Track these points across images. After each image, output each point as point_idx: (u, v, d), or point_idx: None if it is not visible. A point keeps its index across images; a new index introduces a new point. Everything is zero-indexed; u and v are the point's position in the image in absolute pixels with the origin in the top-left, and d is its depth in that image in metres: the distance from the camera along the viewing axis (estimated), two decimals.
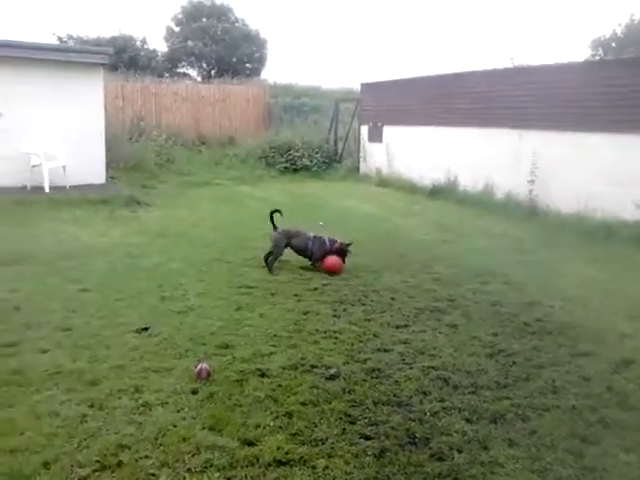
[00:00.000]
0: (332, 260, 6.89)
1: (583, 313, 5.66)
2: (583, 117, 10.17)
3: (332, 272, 6.79)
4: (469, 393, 3.92)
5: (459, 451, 3.24)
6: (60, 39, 28.32)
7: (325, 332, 4.95)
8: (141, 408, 3.58)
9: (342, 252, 6.95)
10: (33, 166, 11.72)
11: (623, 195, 9.21)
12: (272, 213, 7.17)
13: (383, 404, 3.75)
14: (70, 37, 28.74)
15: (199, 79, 30.51)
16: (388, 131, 16.04)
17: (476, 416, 3.61)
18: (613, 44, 30.01)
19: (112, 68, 17.73)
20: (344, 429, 3.44)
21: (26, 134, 11.75)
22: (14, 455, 3.05)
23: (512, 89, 11.87)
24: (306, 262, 7.12)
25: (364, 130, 17.04)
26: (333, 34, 53.11)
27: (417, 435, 3.40)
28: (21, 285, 5.98)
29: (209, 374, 3.98)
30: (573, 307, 5.83)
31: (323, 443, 3.28)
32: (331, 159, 17.97)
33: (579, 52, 42.26)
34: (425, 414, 3.63)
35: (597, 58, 27.76)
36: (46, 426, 3.33)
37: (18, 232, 8.46)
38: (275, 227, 7.10)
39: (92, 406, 3.58)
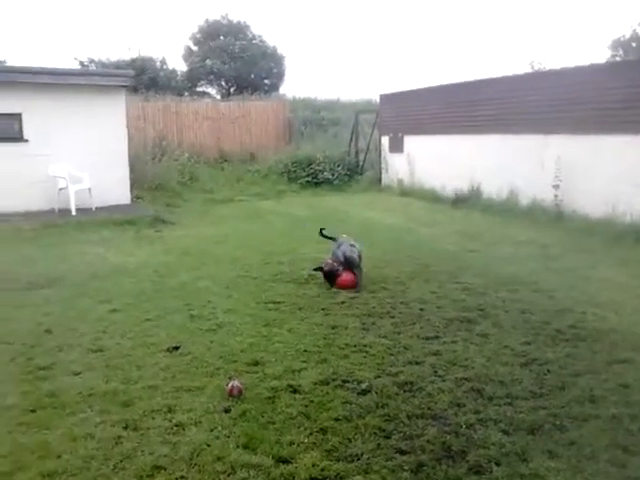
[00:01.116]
0: (343, 277, 6.72)
1: (617, 319, 5.54)
2: (606, 119, 10.04)
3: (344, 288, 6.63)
4: (504, 404, 3.85)
5: (497, 464, 3.18)
6: (82, 63, 28.85)
7: (355, 346, 4.92)
8: (175, 428, 3.59)
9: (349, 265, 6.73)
10: (60, 189, 11.94)
11: None
12: (321, 231, 7.43)
13: (417, 417, 3.70)
14: (91, 61, 29.27)
15: (218, 97, 30.84)
16: (409, 141, 16.00)
17: (513, 427, 3.55)
18: (633, 44, 29.66)
19: (133, 90, 17.99)
20: (379, 444, 3.40)
21: (52, 158, 12.00)
22: (52, 478, 3.07)
23: (533, 94, 11.77)
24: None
25: (385, 141, 17.04)
26: (350, 47, 53.44)
27: (453, 448, 3.35)
28: (51, 308, 6.06)
29: (240, 392, 3.98)
30: (606, 313, 5.71)
31: (359, 459, 3.25)
32: (353, 171, 17.99)
33: (599, 53, 41.86)
34: (461, 427, 3.58)
35: (617, 59, 27.47)
36: (82, 448, 3.36)
37: (47, 255, 8.60)
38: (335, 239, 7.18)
39: (126, 427, 3.60)
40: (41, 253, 8.74)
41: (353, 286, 6.64)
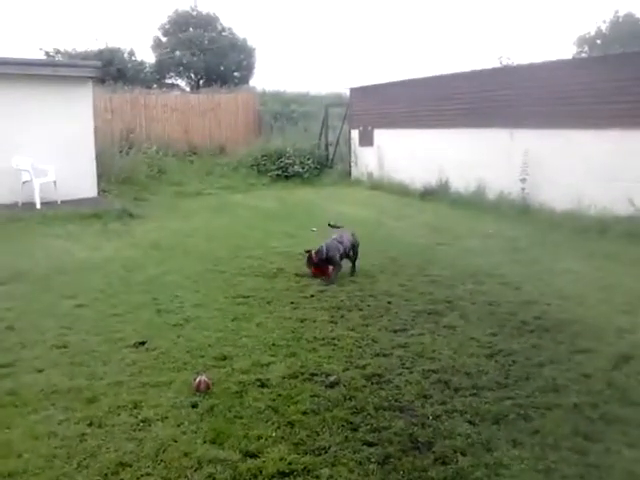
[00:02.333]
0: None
1: (580, 310, 5.66)
2: (573, 114, 10.21)
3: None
4: (470, 395, 3.90)
5: (463, 454, 3.22)
6: (47, 54, 28.18)
7: (323, 339, 4.93)
8: (141, 424, 3.54)
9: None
10: (24, 182, 11.67)
11: (616, 191, 9.24)
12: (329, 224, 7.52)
13: (385, 409, 3.72)
14: (57, 51, 28.60)
15: (188, 89, 30.48)
16: (379, 134, 16.06)
17: (478, 418, 3.60)
18: (598, 41, 30.23)
19: (100, 81, 17.65)
20: (346, 437, 3.41)
21: (16, 150, 11.70)
22: (13, 478, 3.01)
23: (501, 88, 11.92)
24: (300, 269, 7.08)
25: (354, 134, 17.07)
26: (320, 40, 53.17)
27: (420, 440, 3.38)
28: (14, 303, 5.93)
29: (208, 387, 3.95)
30: (570, 304, 5.83)
31: (326, 452, 3.26)
32: (323, 165, 17.98)
33: (565, 50, 42.53)
34: (427, 418, 3.61)
35: (583, 55, 27.95)
36: (44, 447, 3.29)
37: (10, 249, 8.40)
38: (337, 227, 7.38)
39: (91, 424, 3.54)
40: (4, 247, 8.53)
41: (327, 275, 6.75)
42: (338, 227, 7.42)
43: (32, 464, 3.12)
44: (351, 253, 7.01)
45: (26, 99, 11.90)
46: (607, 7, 51.75)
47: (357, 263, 7.08)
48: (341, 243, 6.87)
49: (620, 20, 30.07)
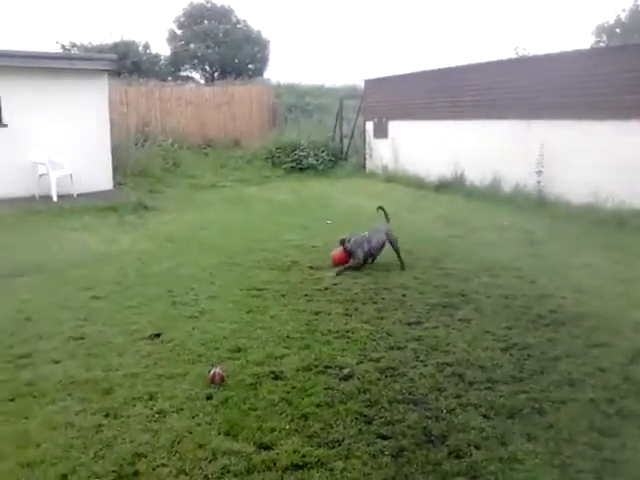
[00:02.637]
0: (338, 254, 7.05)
1: (597, 304, 5.60)
2: (590, 105, 10.08)
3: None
4: (485, 389, 3.88)
5: (477, 448, 3.21)
6: (63, 47, 28.41)
7: (337, 332, 4.93)
8: (156, 415, 3.57)
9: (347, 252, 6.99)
10: (40, 175, 11.78)
11: (633, 183, 9.12)
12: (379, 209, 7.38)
13: (398, 403, 3.72)
14: (73, 45, 28.81)
15: (202, 82, 30.55)
16: (393, 126, 15.98)
17: (493, 412, 3.58)
18: (617, 30, 29.77)
19: (116, 74, 17.75)
20: (360, 429, 3.41)
21: (33, 144, 11.82)
22: (31, 468, 3.05)
23: (517, 79, 11.80)
24: (315, 262, 7.09)
25: (369, 126, 17.00)
26: (335, 32, 53.04)
27: (434, 433, 3.37)
28: (32, 295, 6.00)
29: (223, 379, 3.97)
30: (586, 298, 5.77)
31: (340, 444, 3.26)
32: (337, 157, 17.95)
33: (583, 39, 41.96)
34: (441, 411, 3.60)
35: (601, 45, 27.56)
36: (62, 437, 3.33)
37: (27, 242, 8.50)
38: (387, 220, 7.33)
39: (107, 415, 3.58)
40: (21, 240, 8.63)
41: (340, 263, 6.90)
42: (386, 215, 7.33)
43: (50, 454, 3.16)
44: (378, 253, 7.08)
45: (42, 92, 11.99)
46: None
47: (402, 257, 7.05)
48: (368, 242, 6.93)
49: None
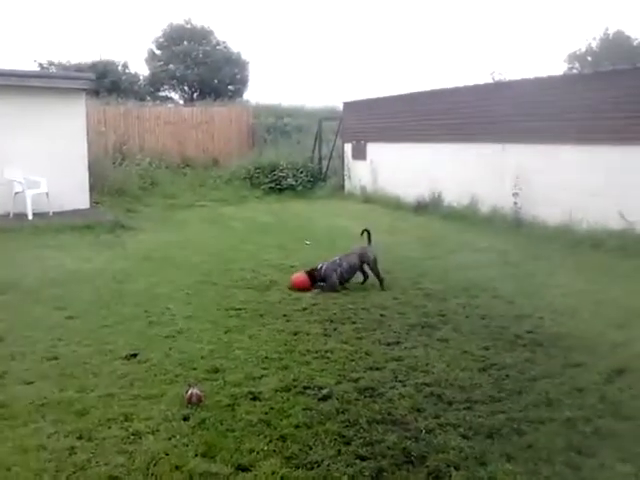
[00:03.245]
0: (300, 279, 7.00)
1: (573, 324, 5.66)
2: (564, 129, 10.29)
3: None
4: (464, 409, 3.88)
5: (456, 468, 3.20)
6: (41, 65, 28.25)
7: (316, 352, 4.90)
8: (131, 437, 3.50)
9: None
10: (16, 193, 11.62)
11: (608, 205, 9.30)
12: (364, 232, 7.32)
13: (378, 423, 3.70)
14: (51, 63, 28.69)
15: (181, 102, 30.56)
16: (372, 148, 16.13)
17: (472, 432, 3.58)
18: (589, 58, 30.59)
19: (94, 93, 17.70)
20: (339, 450, 3.38)
21: (8, 161, 11.67)
22: None
23: (493, 104, 12.01)
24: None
25: (348, 148, 17.13)
26: (315, 53, 53.63)
27: (413, 454, 3.35)
28: (4, 315, 5.88)
29: (200, 399, 3.92)
30: (563, 318, 5.83)
31: (319, 466, 3.22)
32: (316, 178, 18.01)
33: (556, 66, 43.00)
34: (420, 432, 3.59)
35: (574, 71, 28.22)
36: (33, 461, 3.24)
37: (1, 260, 8.34)
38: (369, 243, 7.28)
39: (81, 437, 3.50)
40: None
41: (301, 288, 6.84)
42: (369, 237, 7.29)
43: (21, 478, 3.08)
44: (350, 276, 7.07)
45: (19, 110, 11.88)
46: (598, 24, 52.45)
47: (382, 277, 7.03)
48: (340, 266, 6.94)
49: (610, 37, 30.45)
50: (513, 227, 10.70)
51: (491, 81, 14.59)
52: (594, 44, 31.09)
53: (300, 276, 6.99)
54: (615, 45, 29.13)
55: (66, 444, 3.41)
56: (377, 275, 7.05)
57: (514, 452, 3.35)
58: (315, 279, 6.95)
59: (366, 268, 7.14)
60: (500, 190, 11.29)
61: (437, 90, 13.94)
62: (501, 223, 10.97)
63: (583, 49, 31.47)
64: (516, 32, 52.94)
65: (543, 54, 51.73)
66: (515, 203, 11.01)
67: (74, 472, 3.14)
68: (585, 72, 23.74)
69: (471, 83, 13.39)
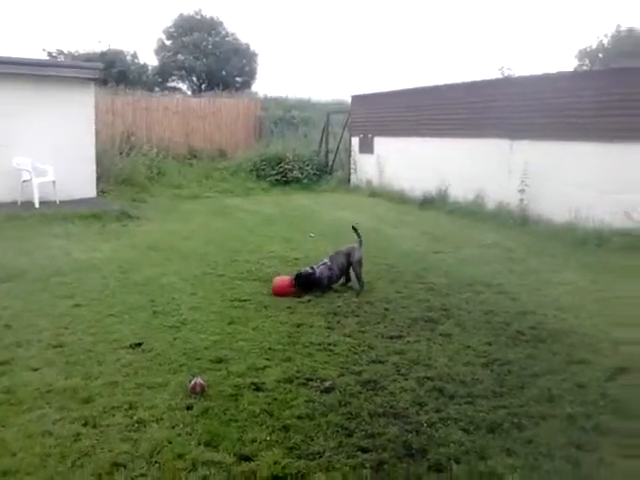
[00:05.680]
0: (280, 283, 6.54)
1: (576, 321, 5.67)
2: (573, 126, 10.25)
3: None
4: (465, 403, 3.90)
5: (457, 462, 3.23)
6: (50, 54, 28.27)
7: (319, 344, 4.93)
8: (135, 425, 3.54)
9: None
10: (24, 181, 11.68)
11: (613, 203, 9.26)
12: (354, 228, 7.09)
13: (379, 416, 3.73)
14: (60, 52, 28.69)
15: (189, 93, 30.54)
16: (379, 142, 16.10)
17: (473, 426, 3.60)
18: (600, 54, 30.39)
19: (102, 83, 17.71)
20: (341, 442, 3.41)
21: (16, 150, 11.73)
22: (7, 477, 3.01)
23: (502, 99, 11.96)
24: None
25: (355, 141, 17.10)
26: (324, 46, 53.45)
27: (414, 447, 3.38)
28: (11, 302, 5.93)
29: (203, 389, 3.95)
30: (566, 315, 5.84)
31: (320, 457, 3.26)
32: (322, 171, 18.02)
33: (566, 63, 42.77)
34: (422, 425, 3.61)
35: (584, 68, 28.09)
36: (39, 446, 3.29)
37: (8, 248, 8.39)
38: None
39: (85, 424, 3.54)
40: (1, 246, 8.53)
41: (282, 293, 6.39)
42: (358, 235, 7.02)
43: (26, 463, 3.12)
44: (335, 279, 6.74)
45: (28, 99, 11.94)
46: (609, 21, 52.09)
47: (363, 281, 6.69)
48: (330, 269, 6.62)
49: (622, 34, 30.23)
50: (519, 223, 10.68)
51: (500, 76, 14.52)
52: (605, 41, 30.88)
53: (285, 281, 6.51)
54: (627, 42, 28.88)
55: (71, 430, 3.46)
56: (358, 277, 6.72)
57: (514, 447, 3.37)
58: (310, 285, 6.46)
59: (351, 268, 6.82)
60: (507, 186, 11.25)
61: (445, 85, 13.89)
62: (507, 219, 10.94)
63: (594, 45, 31.26)
64: (527, 28, 52.68)
65: (554, 50, 51.41)
66: (521, 200, 10.98)
67: (79, 458, 3.18)
68: (595, 69, 23.64)
69: (480, 78, 13.36)
